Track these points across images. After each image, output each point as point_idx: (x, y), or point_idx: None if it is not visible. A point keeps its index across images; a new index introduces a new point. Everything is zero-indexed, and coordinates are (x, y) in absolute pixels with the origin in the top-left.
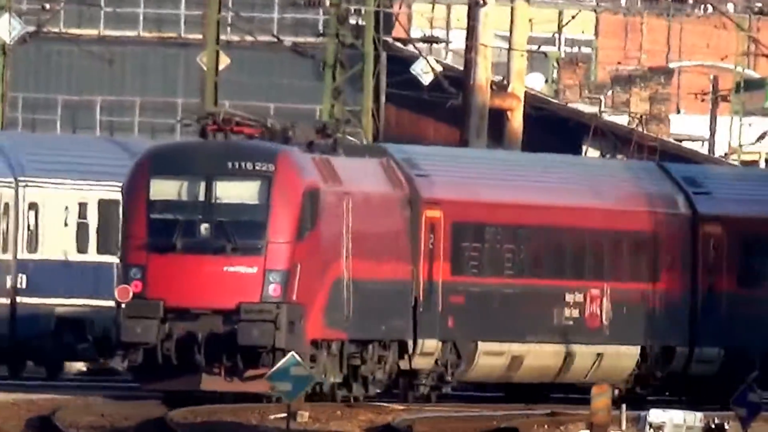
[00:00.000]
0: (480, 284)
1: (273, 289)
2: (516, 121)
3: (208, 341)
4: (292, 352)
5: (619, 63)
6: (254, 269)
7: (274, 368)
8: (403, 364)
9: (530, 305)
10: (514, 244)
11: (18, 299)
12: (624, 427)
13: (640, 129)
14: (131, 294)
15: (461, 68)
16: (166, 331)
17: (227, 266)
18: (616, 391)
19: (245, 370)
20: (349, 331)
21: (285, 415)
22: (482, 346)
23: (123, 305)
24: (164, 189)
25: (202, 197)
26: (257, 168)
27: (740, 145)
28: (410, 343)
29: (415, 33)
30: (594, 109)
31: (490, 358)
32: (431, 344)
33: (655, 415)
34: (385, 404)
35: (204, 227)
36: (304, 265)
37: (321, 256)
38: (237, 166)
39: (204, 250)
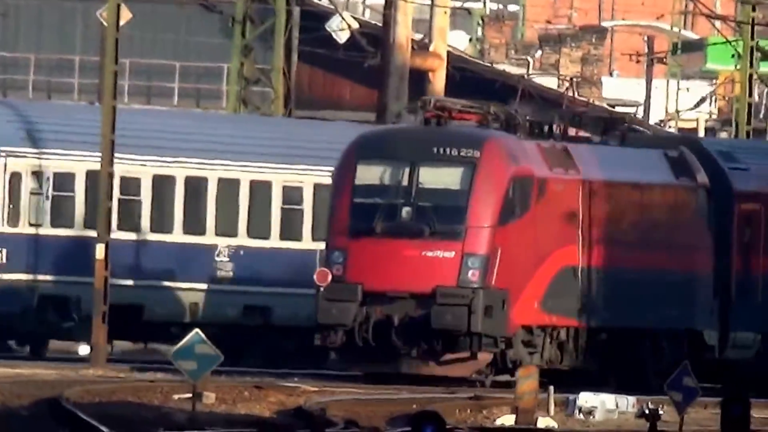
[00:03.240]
0: None
1: (471, 274)
2: (438, 82)
3: (404, 325)
4: (197, 330)
5: (548, 21)
6: (452, 254)
7: (178, 345)
8: (707, 356)
9: None
10: None
11: None
12: (551, 411)
13: (570, 92)
14: (330, 277)
15: (380, 25)
16: (364, 314)
17: (425, 250)
18: None
19: (443, 354)
20: (586, 318)
21: (190, 395)
22: None
23: (322, 288)
24: (369, 174)
25: (405, 182)
26: (462, 154)
27: (677, 111)
28: (708, 334)
29: None
30: (521, 71)
31: None
32: (748, 336)
33: (585, 398)
34: (295, 385)
35: (405, 211)
36: (509, 251)
37: (536, 242)
38: (442, 152)
39: (403, 234)
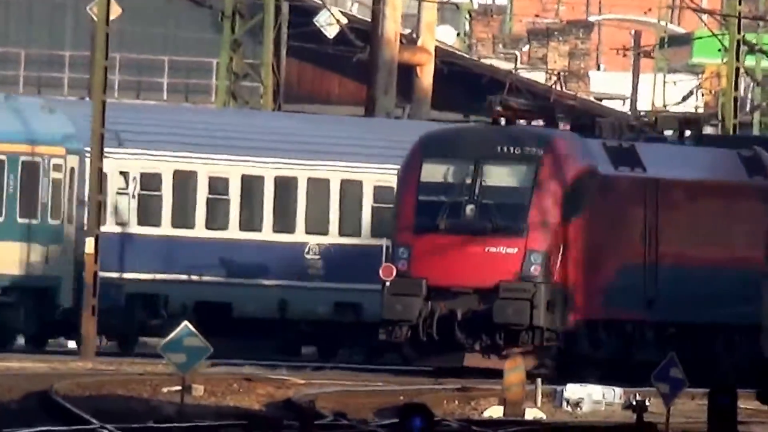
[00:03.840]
0: None
1: (533, 269)
2: (426, 77)
3: (467, 319)
4: (185, 323)
5: (536, 15)
6: (515, 250)
7: (167, 339)
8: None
9: None
10: None
11: None
12: (539, 403)
13: (558, 87)
14: (395, 272)
15: (368, 20)
16: (428, 309)
17: (489, 247)
18: None
19: (505, 348)
20: (652, 314)
21: (179, 388)
22: None
23: (387, 283)
24: (434, 172)
25: (469, 180)
26: (526, 152)
27: (664, 105)
28: None
29: None
30: (509, 65)
31: None
32: None
33: (572, 390)
34: (284, 378)
35: (469, 209)
36: (572, 247)
37: (599, 238)
38: (506, 150)
39: (467, 231)
